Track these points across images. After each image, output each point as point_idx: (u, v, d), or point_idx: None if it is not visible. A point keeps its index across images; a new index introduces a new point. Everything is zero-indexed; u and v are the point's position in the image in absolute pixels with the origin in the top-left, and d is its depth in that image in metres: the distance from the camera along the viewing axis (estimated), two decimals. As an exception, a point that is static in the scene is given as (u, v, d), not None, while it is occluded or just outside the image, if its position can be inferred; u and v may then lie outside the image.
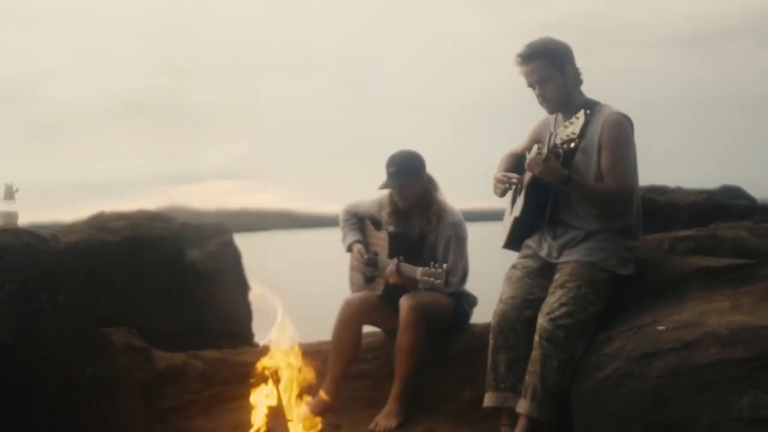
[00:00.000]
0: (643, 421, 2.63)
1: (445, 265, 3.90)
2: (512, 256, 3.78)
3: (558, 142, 3.20)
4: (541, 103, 3.57)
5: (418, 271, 3.97)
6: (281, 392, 3.39)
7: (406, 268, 4.06)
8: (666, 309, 3.14)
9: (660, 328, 2.96)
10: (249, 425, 3.63)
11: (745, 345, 2.66)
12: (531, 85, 3.53)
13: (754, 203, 5.51)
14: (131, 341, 3.92)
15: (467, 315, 4.32)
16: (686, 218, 5.36)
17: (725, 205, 5.49)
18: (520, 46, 3.55)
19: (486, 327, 4.16)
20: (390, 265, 4.10)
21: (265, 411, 3.26)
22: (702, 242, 4.55)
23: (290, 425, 3.31)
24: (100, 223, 4.90)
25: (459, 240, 4.22)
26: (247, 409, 4.11)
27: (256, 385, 3.58)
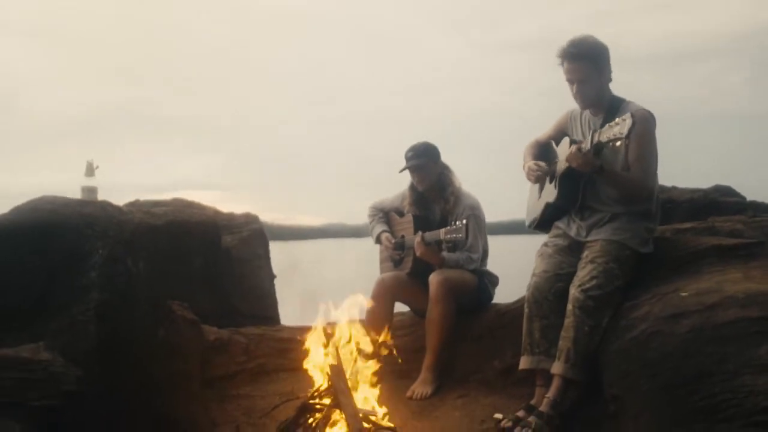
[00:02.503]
0: (675, 370, 2.99)
1: (464, 221, 4.27)
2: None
3: (603, 139, 3.49)
4: (576, 98, 3.91)
5: (441, 232, 4.37)
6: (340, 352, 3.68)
7: (430, 235, 4.46)
8: (685, 280, 3.54)
9: (683, 294, 3.36)
10: (301, 389, 3.95)
11: (760, 306, 3.07)
12: (570, 81, 3.86)
13: (744, 201, 5.88)
14: (185, 314, 4.21)
15: (490, 293, 4.70)
16: (684, 213, 5.73)
17: (719, 202, 5.84)
18: (558, 45, 3.86)
19: (509, 305, 4.57)
20: (416, 238, 4.47)
21: (327, 369, 3.55)
22: (701, 233, 4.97)
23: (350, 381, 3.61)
24: (143, 207, 5.18)
25: (477, 220, 4.60)
26: (291, 379, 4.48)
27: (314, 349, 3.86)
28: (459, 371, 4.44)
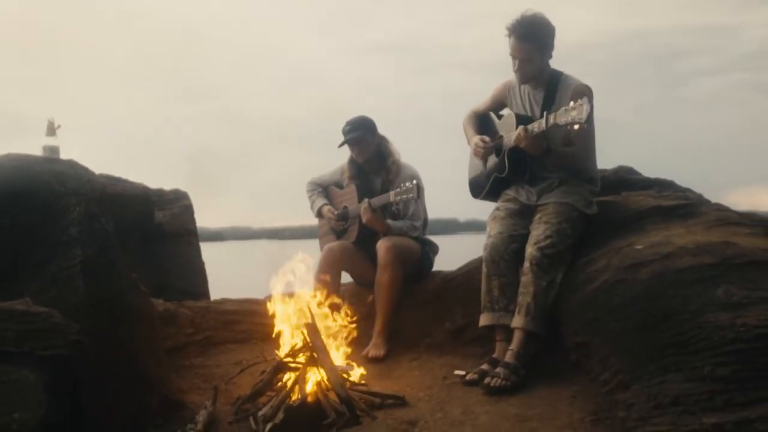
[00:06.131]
0: (642, 312, 3.24)
1: (414, 181, 4.39)
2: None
3: (561, 122, 3.64)
4: (515, 73, 4.11)
5: (391, 194, 4.47)
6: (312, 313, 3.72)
7: (377, 200, 4.56)
8: (634, 237, 3.80)
9: (638, 247, 3.63)
10: (258, 357, 3.94)
11: (709, 254, 3.35)
12: (513, 57, 4.05)
13: (649, 178, 6.28)
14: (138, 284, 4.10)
15: (431, 261, 4.84)
16: (599, 189, 6.06)
17: (627, 179, 6.20)
18: (508, 18, 4.00)
19: (455, 271, 4.73)
20: (363, 205, 4.56)
21: (302, 329, 3.58)
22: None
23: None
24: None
25: (420, 189, 4.72)
26: (240, 350, 4.47)
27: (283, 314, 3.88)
28: (407, 337, 4.54)
